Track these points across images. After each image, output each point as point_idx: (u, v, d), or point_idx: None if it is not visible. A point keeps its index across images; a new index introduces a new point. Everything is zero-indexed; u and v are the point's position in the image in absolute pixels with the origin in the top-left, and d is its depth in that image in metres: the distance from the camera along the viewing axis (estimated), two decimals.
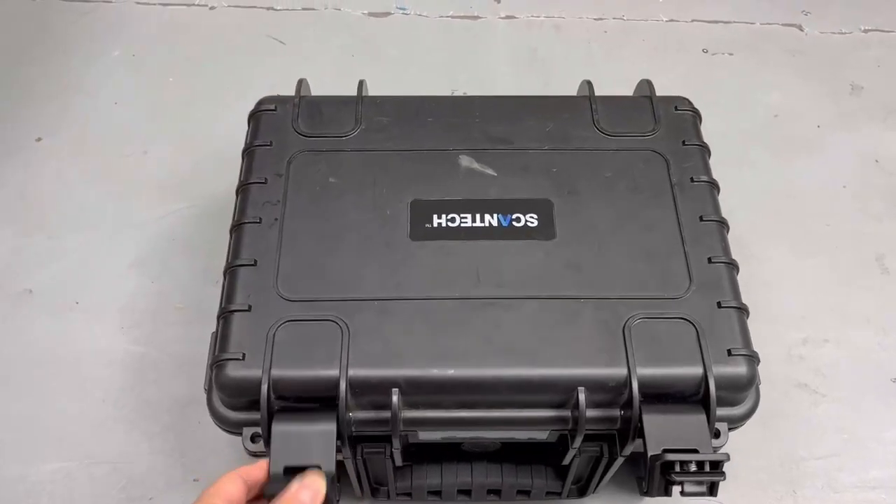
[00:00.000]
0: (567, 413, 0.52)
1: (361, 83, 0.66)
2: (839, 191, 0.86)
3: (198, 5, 1.00)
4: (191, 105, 0.91)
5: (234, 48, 0.96)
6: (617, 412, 0.52)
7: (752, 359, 0.52)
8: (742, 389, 0.53)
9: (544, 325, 0.53)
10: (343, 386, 0.49)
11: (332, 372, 0.50)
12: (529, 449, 0.60)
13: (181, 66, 0.94)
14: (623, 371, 0.51)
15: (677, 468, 0.48)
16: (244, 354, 0.51)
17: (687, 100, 0.66)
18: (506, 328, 0.53)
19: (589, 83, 0.67)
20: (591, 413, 0.51)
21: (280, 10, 1.00)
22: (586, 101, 0.65)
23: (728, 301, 0.54)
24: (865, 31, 1.00)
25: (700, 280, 0.55)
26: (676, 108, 0.65)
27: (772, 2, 1.03)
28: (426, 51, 0.97)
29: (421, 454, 0.60)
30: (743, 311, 0.55)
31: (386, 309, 0.53)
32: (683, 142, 0.63)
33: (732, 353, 0.52)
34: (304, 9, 1.00)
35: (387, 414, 0.50)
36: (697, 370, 0.51)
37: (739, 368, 0.52)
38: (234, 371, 0.51)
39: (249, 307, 0.53)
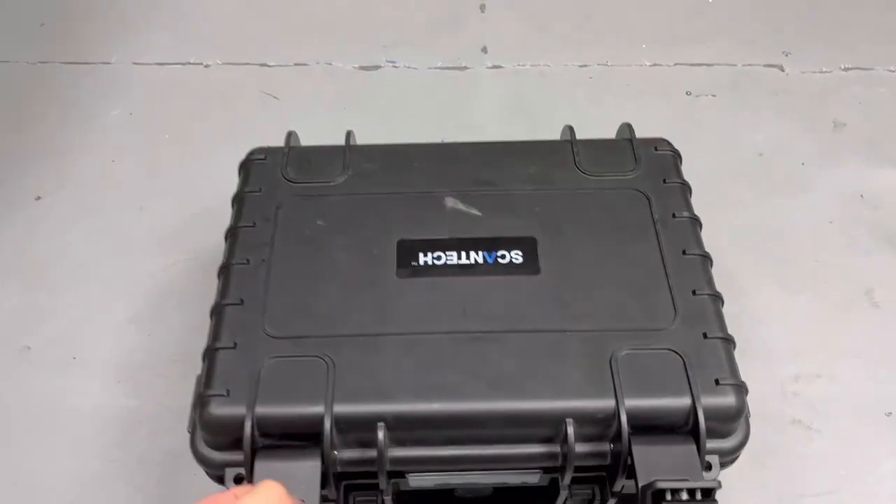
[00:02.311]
0: (556, 449, 0.52)
1: (349, 133, 0.69)
2: (826, 226, 0.87)
3: (193, 64, 1.03)
4: (186, 161, 0.93)
5: (229, 104, 0.99)
6: (606, 447, 0.52)
7: (741, 388, 0.53)
8: (731, 420, 0.53)
9: (531, 358, 0.53)
10: (328, 422, 0.49)
11: (318, 408, 0.50)
12: (522, 495, 0.60)
13: (177, 123, 0.97)
14: (611, 403, 0.51)
15: (668, 497, 0.47)
16: (228, 391, 0.51)
17: (666, 140, 0.68)
18: (492, 362, 0.53)
19: (570, 128, 0.69)
20: (580, 448, 0.51)
21: (273, 66, 1.03)
22: (568, 145, 0.67)
23: (714, 332, 0.55)
24: (846, 69, 1.03)
25: (685, 312, 0.56)
26: (656, 149, 0.67)
27: (753, 43, 1.05)
28: (415, 102, 0.99)
29: (413, 503, 0.60)
30: (729, 342, 0.55)
31: (372, 344, 0.54)
32: (664, 180, 0.64)
33: (720, 382, 0.52)
34: (296, 64, 1.03)
35: (373, 452, 0.50)
36: (685, 401, 0.51)
37: (728, 398, 0.52)
38: (218, 408, 0.51)
39: (235, 345, 0.54)
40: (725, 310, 0.58)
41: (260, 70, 1.02)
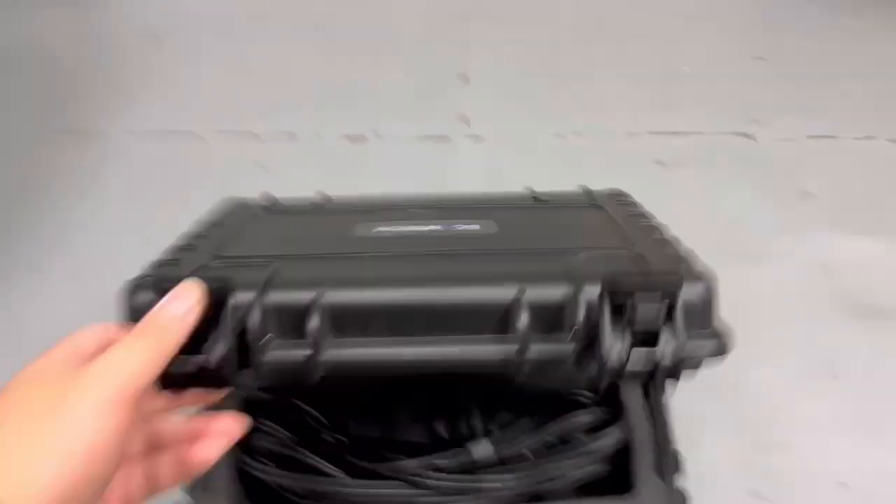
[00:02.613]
0: (512, 346, 0.47)
1: (320, 193, 0.75)
2: (789, 297, 0.90)
3: (188, 133, 1.08)
4: (182, 231, 0.97)
5: (223, 175, 1.04)
6: (565, 336, 0.48)
7: (711, 280, 0.51)
8: (703, 312, 0.51)
9: (483, 264, 0.53)
10: (257, 310, 0.46)
11: (248, 293, 0.46)
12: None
13: (173, 194, 1.02)
14: (569, 288, 0.48)
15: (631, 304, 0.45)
16: (160, 282, 0.47)
17: (622, 190, 0.72)
18: (444, 266, 0.53)
19: (530, 188, 0.75)
20: (537, 348, 0.47)
21: (265, 138, 1.08)
22: (527, 193, 0.73)
23: (672, 249, 0.55)
24: (814, 137, 1.06)
25: (644, 244, 0.56)
26: (611, 194, 0.71)
27: (723, 112, 1.10)
28: (399, 171, 1.04)
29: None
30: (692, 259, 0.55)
31: (319, 258, 0.55)
32: (618, 201, 0.69)
33: (686, 272, 0.50)
34: (287, 136, 1.08)
35: (307, 350, 0.46)
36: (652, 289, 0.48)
37: (697, 285, 0.49)
38: (145, 294, 0.46)
39: (179, 261, 0.53)
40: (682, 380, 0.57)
41: (253, 141, 1.07)
